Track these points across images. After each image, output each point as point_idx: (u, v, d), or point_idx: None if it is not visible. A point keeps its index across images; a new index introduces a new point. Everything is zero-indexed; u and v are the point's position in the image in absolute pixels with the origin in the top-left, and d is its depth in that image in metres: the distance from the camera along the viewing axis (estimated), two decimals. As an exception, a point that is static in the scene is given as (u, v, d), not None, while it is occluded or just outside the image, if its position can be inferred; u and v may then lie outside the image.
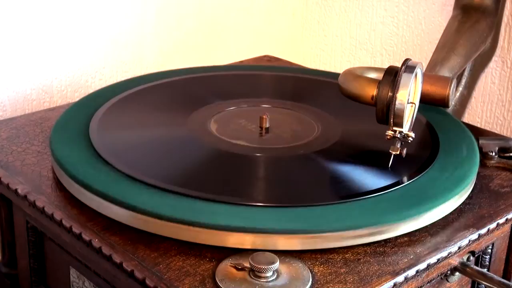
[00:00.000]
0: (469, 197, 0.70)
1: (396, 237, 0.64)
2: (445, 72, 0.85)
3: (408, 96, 0.68)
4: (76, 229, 0.64)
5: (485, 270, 0.68)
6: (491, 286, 0.64)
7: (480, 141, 0.79)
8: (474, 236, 0.65)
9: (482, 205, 0.70)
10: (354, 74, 0.75)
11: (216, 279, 0.57)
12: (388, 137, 0.69)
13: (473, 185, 0.72)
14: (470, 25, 0.93)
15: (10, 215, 0.75)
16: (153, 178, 0.67)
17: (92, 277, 0.66)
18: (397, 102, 0.68)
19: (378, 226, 0.62)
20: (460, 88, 1.01)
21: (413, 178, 0.69)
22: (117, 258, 0.60)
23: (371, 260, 0.61)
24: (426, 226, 0.65)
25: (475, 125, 0.94)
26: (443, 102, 0.78)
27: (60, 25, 0.97)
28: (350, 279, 0.58)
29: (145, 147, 0.74)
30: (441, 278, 0.65)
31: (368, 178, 0.69)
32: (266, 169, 0.72)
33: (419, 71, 0.71)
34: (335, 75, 0.87)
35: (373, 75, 0.75)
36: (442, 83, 0.78)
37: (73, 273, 0.69)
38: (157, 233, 0.62)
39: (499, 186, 0.73)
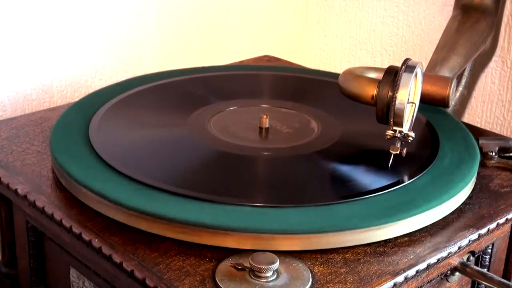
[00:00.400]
0: (469, 197, 0.70)
1: (396, 237, 0.64)
2: (445, 72, 0.85)
3: (408, 96, 0.68)
4: (76, 229, 0.64)
5: (485, 270, 0.68)
6: (491, 286, 0.64)
7: (480, 141, 0.79)
8: (474, 236, 0.65)
9: (482, 205, 0.70)
10: (354, 74, 0.74)
11: (216, 279, 0.57)
12: (388, 136, 0.69)
13: (473, 185, 0.72)
14: (470, 25, 0.93)
15: (10, 215, 0.75)
16: (153, 179, 0.67)
17: (92, 277, 0.66)
18: (397, 102, 0.68)
19: (378, 226, 0.62)
20: (460, 88, 1.01)
21: (413, 178, 0.69)
22: (117, 258, 0.60)
23: (371, 260, 0.61)
24: (426, 226, 0.65)
25: (475, 125, 0.94)
26: (443, 102, 0.78)
27: (60, 25, 0.97)
28: (350, 279, 0.58)
29: (145, 147, 0.74)
30: (441, 278, 0.65)
31: (368, 178, 0.69)
32: (266, 169, 0.72)
33: (419, 71, 0.71)
34: (335, 75, 0.87)
35: (373, 75, 0.75)
36: (442, 83, 0.78)
37: (73, 273, 0.69)
38: (157, 233, 0.62)
39: (499, 186, 0.73)
